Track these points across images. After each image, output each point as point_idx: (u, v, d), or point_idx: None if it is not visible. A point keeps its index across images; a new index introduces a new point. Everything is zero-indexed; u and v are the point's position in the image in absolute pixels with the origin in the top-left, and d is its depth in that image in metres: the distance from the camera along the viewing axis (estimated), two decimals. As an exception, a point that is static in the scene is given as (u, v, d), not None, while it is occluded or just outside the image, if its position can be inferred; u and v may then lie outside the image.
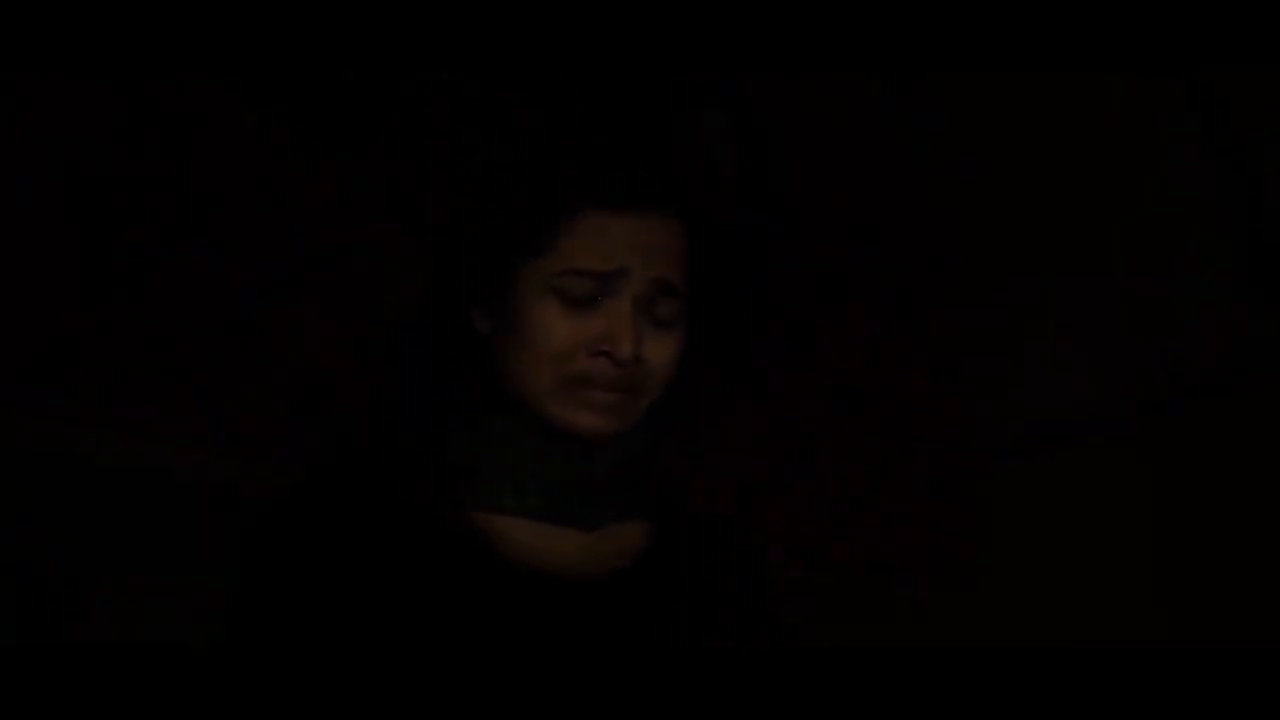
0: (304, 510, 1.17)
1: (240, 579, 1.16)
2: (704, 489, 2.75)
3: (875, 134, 3.26)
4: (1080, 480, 3.21)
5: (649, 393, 1.19)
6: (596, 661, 1.14)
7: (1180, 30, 2.48)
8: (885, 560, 3.15)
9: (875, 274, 3.27)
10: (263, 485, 1.71)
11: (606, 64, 2.49)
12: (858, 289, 3.23)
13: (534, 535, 1.20)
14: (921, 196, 3.33)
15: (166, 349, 2.28)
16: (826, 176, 3.20)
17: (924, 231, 3.34)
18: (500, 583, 1.16)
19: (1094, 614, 3.08)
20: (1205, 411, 3.13)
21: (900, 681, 1.78)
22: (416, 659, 1.11)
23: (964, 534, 3.26)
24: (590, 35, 2.37)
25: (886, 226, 3.30)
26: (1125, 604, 3.09)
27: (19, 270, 2.17)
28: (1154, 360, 3.10)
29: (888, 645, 2.36)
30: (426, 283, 1.24)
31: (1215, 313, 3.04)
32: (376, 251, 2.47)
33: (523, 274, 1.17)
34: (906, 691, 1.80)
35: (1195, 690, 2.19)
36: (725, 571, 1.28)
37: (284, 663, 1.11)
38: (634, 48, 2.42)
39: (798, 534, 3.00)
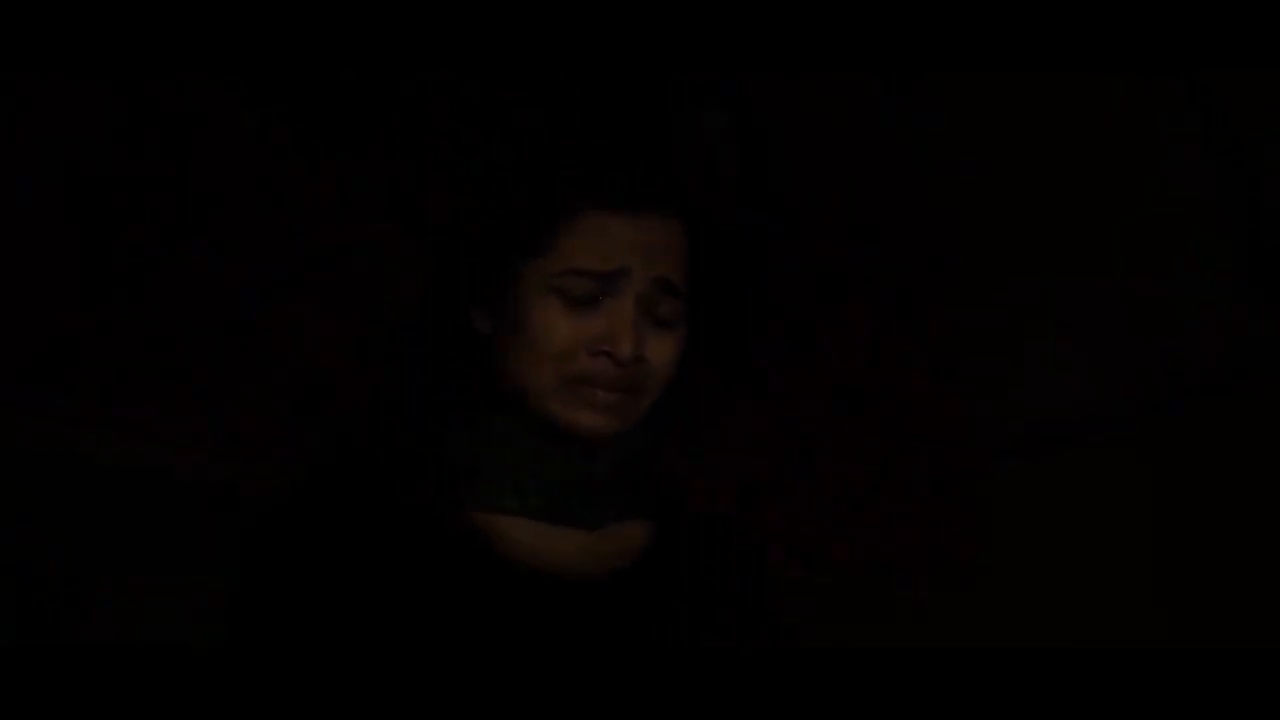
0: (304, 510, 1.17)
1: (240, 579, 1.16)
2: (704, 489, 2.75)
3: (875, 134, 3.26)
4: (1080, 480, 3.21)
5: (650, 392, 1.19)
6: (597, 661, 1.14)
7: (1180, 30, 2.48)
8: (885, 560, 3.15)
9: (875, 274, 3.27)
10: (263, 485, 1.71)
11: (606, 64, 2.49)
12: (858, 289, 3.23)
13: (534, 535, 1.20)
14: (921, 196, 3.33)
15: (166, 349, 2.28)
16: (826, 176, 3.20)
17: (924, 231, 3.34)
18: (500, 583, 1.16)
19: (1094, 614, 3.08)
20: (1205, 411, 3.13)
21: (900, 681, 1.78)
22: (417, 659, 1.11)
23: (964, 534, 3.26)
24: (590, 35, 2.37)
25: (886, 226, 3.30)
26: (1125, 604, 3.09)
27: (19, 270, 2.17)
28: (1154, 360, 3.10)
29: (888, 645, 2.36)
30: (426, 283, 1.24)
31: (1215, 313, 3.04)
32: (376, 251, 2.47)
33: (523, 274, 1.17)
34: (906, 691, 1.80)
35: (1195, 690, 2.19)
36: (725, 571, 1.28)
37: (284, 663, 1.11)
38: (634, 48, 2.42)
39: (798, 534, 3.00)
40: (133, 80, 2.28)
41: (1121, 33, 2.53)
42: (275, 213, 2.42)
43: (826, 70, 2.99)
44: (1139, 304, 3.08)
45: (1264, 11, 2.43)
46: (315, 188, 2.46)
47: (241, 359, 2.35)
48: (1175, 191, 2.98)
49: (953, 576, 3.23)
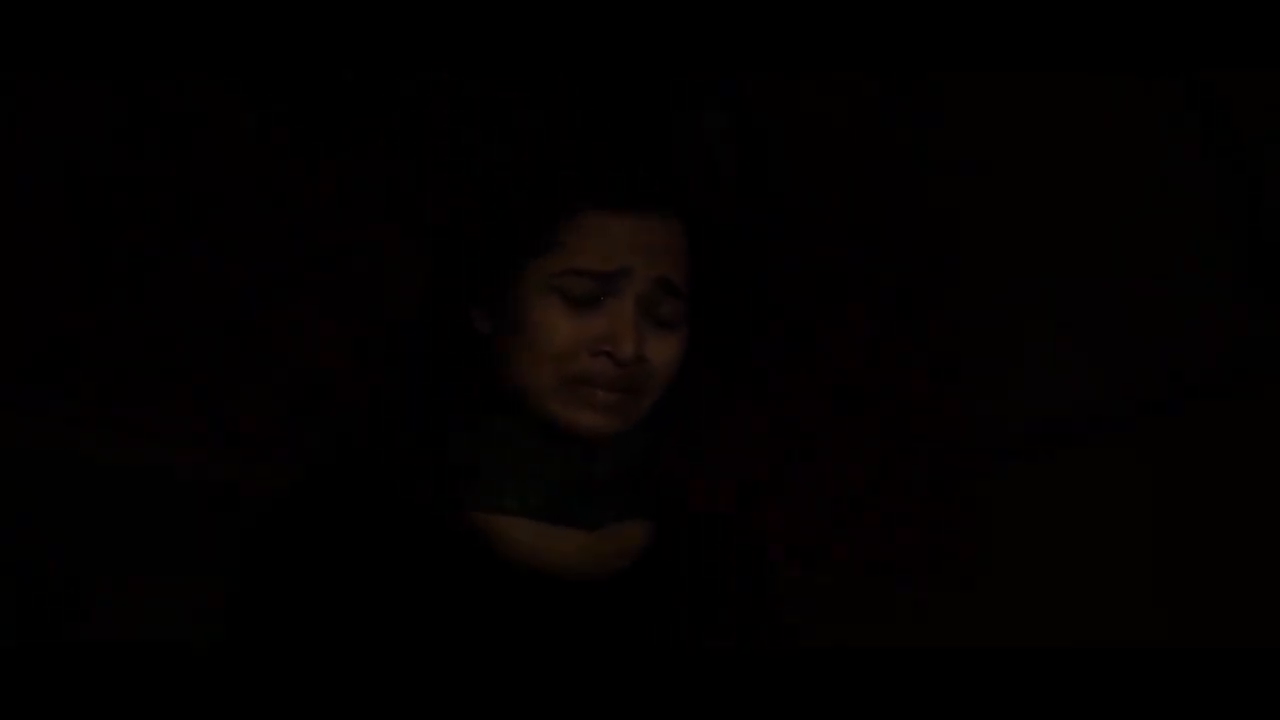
0: (304, 510, 1.17)
1: (240, 579, 1.16)
2: (704, 489, 2.75)
3: (875, 134, 3.26)
4: (1080, 480, 3.21)
5: (651, 393, 1.19)
6: (597, 661, 1.14)
7: (1180, 30, 2.48)
8: (885, 560, 3.14)
9: (875, 274, 3.27)
10: (263, 485, 1.71)
11: (606, 64, 2.48)
12: (858, 289, 3.23)
13: (534, 535, 1.20)
14: (921, 196, 3.32)
15: (166, 349, 2.28)
16: (826, 176, 3.20)
17: (924, 231, 3.34)
18: (500, 583, 1.16)
19: (1094, 614, 3.08)
20: (1205, 411, 3.13)
21: (900, 681, 1.78)
22: (417, 659, 1.11)
23: (964, 534, 3.26)
24: (590, 36, 2.37)
25: (886, 226, 3.29)
26: (1125, 604, 3.09)
27: (19, 270, 2.17)
28: (1154, 360, 3.10)
29: (888, 645, 2.36)
30: (426, 283, 1.24)
31: (1215, 313, 3.04)
32: (376, 251, 2.47)
33: (524, 274, 1.17)
34: (906, 691, 1.80)
35: (1195, 690, 2.19)
36: (725, 571, 1.28)
37: (284, 663, 1.11)
38: (634, 48, 2.42)
39: (798, 534, 3.00)
40: (133, 80, 2.28)
41: (1121, 33, 2.53)
42: (275, 213, 2.42)
43: (826, 70, 2.98)
44: (1139, 304, 3.08)
45: (1264, 11, 2.43)
46: (315, 188, 2.46)
47: (241, 359, 2.35)
48: (1175, 191, 2.98)
49: (953, 576, 3.23)
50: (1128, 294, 3.09)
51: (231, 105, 2.39)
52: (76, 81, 2.22)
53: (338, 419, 2.38)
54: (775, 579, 1.33)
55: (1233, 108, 2.87)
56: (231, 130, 2.39)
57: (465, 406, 1.21)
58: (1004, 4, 2.51)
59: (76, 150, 2.24)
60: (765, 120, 3.01)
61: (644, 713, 1.13)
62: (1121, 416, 3.22)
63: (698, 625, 1.22)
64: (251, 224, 2.39)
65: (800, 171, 3.13)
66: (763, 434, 3.01)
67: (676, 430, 1.26)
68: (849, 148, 3.23)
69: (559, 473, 1.20)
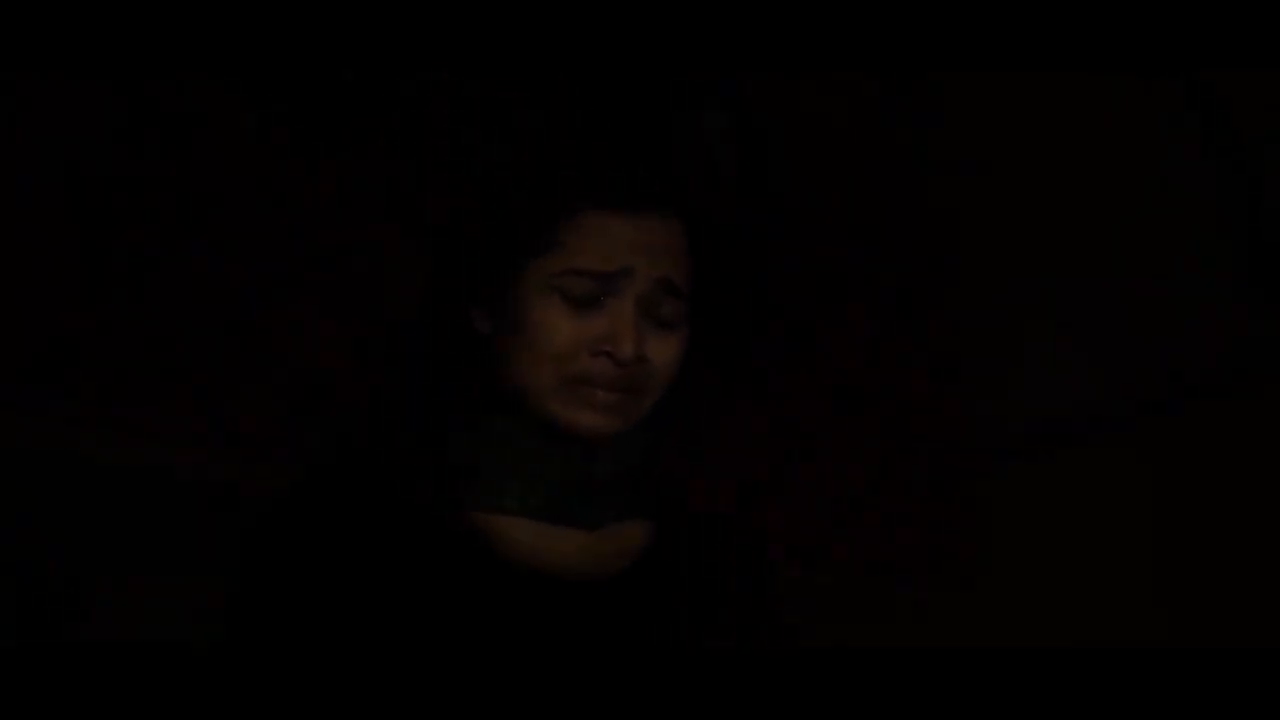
0: (304, 510, 1.17)
1: (240, 579, 1.16)
2: (704, 489, 2.75)
3: (875, 134, 3.26)
4: (1080, 480, 3.21)
5: (651, 393, 1.19)
6: (597, 661, 1.14)
7: (1180, 30, 2.48)
8: (885, 560, 3.14)
9: (875, 274, 3.27)
10: (263, 485, 1.71)
11: (606, 64, 2.48)
12: (858, 289, 3.23)
13: (534, 535, 1.20)
14: (921, 196, 3.32)
15: (166, 349, 2.28)
16: (826, 176, 3.20)
17: (924, 231, 3.34)
18: (500, 583, 1.16)
19: (1094, 614, 3.08)
20: (1205, 411, 3.13)
21: (900, 681, 1.78)
22: (417, 659, 1.11)
23: (964, 534, 3.26)
24: (590, 36, 2.37)
25: (886, 226, 3.29)
26: (1125, 604, 3.09)
27: (19, 270, 2.17)
28: (1154, 360, 3.10)
29: (888, 645, 2.36)
30: (426, 283, 1.24)
31: (1215, 313, 3.04)
32: (376, 251, 2.47)
33: (524, 274, 1.17)
34: (906, 691, 1.80)
35: (1195, 690, 2.19)
36: (725, 571, 1.28)
37: (284, 663, 1.11)
38: (634, 48, 2.42)
39: (798, 534, 3.00)
40: (133, 80, 2.28)
41: (1121, 33, 2.53)
42: (275, 213, 2.42)
43: (826, 70, 2.99)
44: (1139, 304, 3.08)
45: (1264, 11, 2.43)
46: (315, 188, 2.46)
47: (241, 359, 2.35)
48: (1175, 191, 2.98)
49: (953, 576, 3.23)
50: (1128, 294, 3.09)
51: (231, 105, 2.39)
52: (76, 81, 2.22)
53: (338, 419, 2.38)
54: (775, 579, 1.33)
55: (1233, 108, 2.87)
56: (231, 130, 2.39)
57: (465, 406, 1.21)
58: (1004, 4, 2.51)
59: (76, 150, 2.24)
60: (765, 120, 3.01)
61: (644, 713, 1.13)
62: (1121, 416, 3.22)
63: (698, 625, 1.22)
64: (251, 224, 2.39)
65: (800, 171, 3.13)
66: (763, 434, 3.01)
67: (676, 430, 1.26)
68: (849, 148, 3.23)
69: (559, 473, 1.20)
